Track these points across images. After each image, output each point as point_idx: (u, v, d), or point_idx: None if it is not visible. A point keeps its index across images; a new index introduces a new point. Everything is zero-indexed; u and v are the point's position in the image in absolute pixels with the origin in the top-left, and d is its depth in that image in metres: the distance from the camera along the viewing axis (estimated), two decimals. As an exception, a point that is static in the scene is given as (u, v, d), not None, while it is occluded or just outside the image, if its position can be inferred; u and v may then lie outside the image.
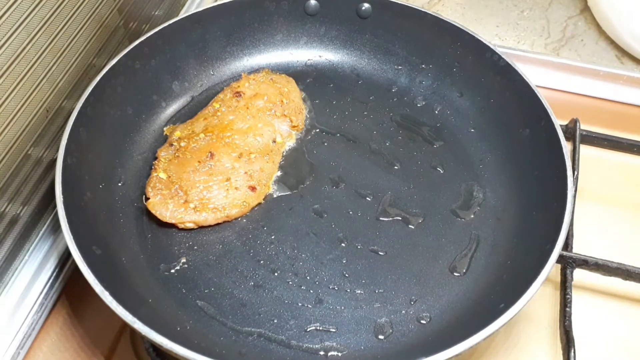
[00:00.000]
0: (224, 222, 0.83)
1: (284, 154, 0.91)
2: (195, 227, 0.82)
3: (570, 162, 0.79)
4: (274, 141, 0.90)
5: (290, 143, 0.92)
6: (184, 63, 0.97)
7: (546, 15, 1.22)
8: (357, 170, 0.90)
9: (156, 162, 0.86)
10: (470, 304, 0.75)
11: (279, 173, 0.89)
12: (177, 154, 0.86)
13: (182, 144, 0.87)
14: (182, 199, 0.82)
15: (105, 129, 0.85)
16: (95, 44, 0.88)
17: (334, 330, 0.74)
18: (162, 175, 0.84)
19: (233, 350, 0.71)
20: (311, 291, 0.77)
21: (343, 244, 0.81)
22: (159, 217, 0.80)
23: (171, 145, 0.88)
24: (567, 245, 0.81)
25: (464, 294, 0.77)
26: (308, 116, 0.96)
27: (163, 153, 0.87)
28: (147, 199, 0.82)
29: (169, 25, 0.92)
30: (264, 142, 0.89)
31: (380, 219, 0.84)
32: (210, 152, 0.86)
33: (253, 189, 0.84)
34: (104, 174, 0.83)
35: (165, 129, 0.93)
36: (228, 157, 0.86)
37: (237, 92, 0.93)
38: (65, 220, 0.69)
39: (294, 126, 0.93)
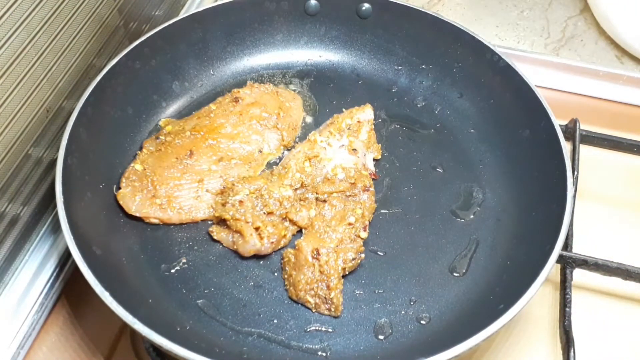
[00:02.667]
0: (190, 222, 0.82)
1: (269, 163, 0.90)
2: (160, 223, 0.81)
3: (570, 162, 0.79)
4: (260, 151, 0.88)
5: (276, 156, 0.90)
6: (184, 63, 0.97)
7: (546, 15, 1.22)
8: (357, 171, 0.89)
9: (139, 152, 0.86)
10: (470, 305, 0.75)
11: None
12: (159, 147, 0.86)
13: (168, 138, 0.87)
14: (151, 194, 0.81)
15: (105, 129, 0.85)
16: (95, 44, 0.88)
17: (333, 330, 0.74)
18: (138, 166, 0.84)
19: (233, 351, 0.70)
20: (311, 291, 0.77)
21: (343, 244, 0.81)
22: (125, 209, 0.80)
23: (157, 138, 0.88)
24: (567, 245, 0.81)
25: (464, 295, 0.77)
26: (301, 132, 0.94)
27: (147, 144, 0.87)
28: (118, 188, 0.82)
29: (169, 25, 0.92)
30: (249, 150, 0.88)
31: (380, 219, 0.84)
32: (191, 150, 0.85)
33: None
34: (105, 174, 0.83)
35: (161, 120, 0.92)
36: (207, 159, 0.85)
37: (236, 98, 0.92)
38: (66, 220, 0.69)
39: (284, 143, 0.91)
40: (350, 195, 0.83)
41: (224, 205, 0.80)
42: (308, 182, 0.83)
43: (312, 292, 0.75)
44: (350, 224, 0.79)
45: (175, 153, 0.85)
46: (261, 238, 0.78)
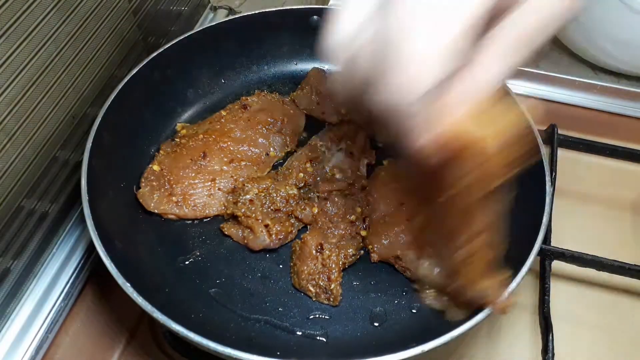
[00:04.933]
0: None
1: (275, 165, 0.88)
2: (177, 219, 0.81)
3: (548, 164, 0.78)
4: (267, 154, 0.87)
5: (281, 159, 0.89)
6: (198, 73, 0.96)
7: (527, 29, 1.21)
8: (355, 171, 0.88)
9: (157, 154, 0.86)
10: (458, 295, 0.74)
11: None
12: (175, 149, 0.85)
13: (183, 140, 0.86)
14: (168, 192, 0.81)
15: (126, 132, 0.84)
16: (116, 57, 0.88)
17: (332, 318, 0.73)
18: (156, 167, 0.83)
19: (242, 336, 0.70)
20: (313, 281, 0.76)
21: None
22: (144, 206, 0.80)
23: (173, 140, 0.87)
24: (546, 239, 0.80)
25: (452, 285, 0.76)
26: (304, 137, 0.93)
27: (164, 147, 0.86)
28: (138, 188, 0.81)
29: (185, 38, 0.91)
30: (257, 152, 0.87)
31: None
32: (204, 152, 0.84)
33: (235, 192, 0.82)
34: (125, 174, 0.82)
35: (177, 125, 0.91)
36: (219, 160, 0.85)
37: (244, 105, 0.91)
38: (90, 217, 0.69)
39: (287, 148, 0.89)
40: (349, 194, 0.82)
41: (235, 203, 0.79)
42: (310, 181, 0.83)
43: (314, 282, 0.74)
44: (351, 221, 0.79)
45: (190, 155, 0.84)
46: (270, 235, 0.77)
